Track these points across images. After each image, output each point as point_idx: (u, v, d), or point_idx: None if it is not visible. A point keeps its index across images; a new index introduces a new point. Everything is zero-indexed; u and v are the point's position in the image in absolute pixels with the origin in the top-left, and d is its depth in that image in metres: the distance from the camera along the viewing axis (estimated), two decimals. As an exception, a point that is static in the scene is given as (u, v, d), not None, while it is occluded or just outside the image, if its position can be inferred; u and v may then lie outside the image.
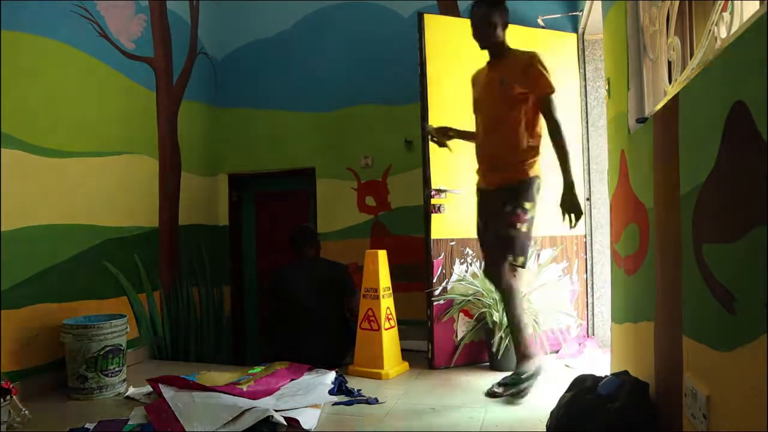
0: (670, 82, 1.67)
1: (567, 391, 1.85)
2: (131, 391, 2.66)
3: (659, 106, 1.60)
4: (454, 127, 2.76)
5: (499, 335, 2.84)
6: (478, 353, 3.08)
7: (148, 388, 2.59)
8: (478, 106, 2.65)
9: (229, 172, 4.37)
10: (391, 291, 3.06)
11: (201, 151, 4.16)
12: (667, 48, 1.65)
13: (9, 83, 2.61)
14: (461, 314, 3.06)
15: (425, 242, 3.06)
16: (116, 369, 2.71)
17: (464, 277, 3.08)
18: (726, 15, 1.19)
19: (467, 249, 3.11)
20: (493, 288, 2.70)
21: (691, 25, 1.63)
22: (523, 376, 2.42)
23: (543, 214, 3.25)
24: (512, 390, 2.40)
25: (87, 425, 2.20)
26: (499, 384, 2.47)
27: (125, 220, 3.36)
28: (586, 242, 3.36)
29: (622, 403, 1.59)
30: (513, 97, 2.45)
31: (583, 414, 1.66)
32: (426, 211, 3.05)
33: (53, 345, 2.74)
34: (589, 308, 3.36)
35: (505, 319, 2.86)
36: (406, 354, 3.11)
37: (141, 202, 3.51)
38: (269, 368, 2.82)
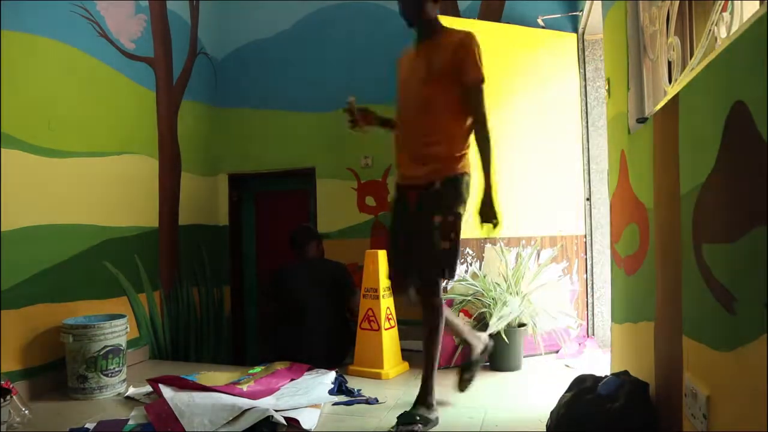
0: (670, 82, 1.67)
1: (567, 391, 1.85)
2: (131, 391, 2.66)
3: (659, 106, 1.60)
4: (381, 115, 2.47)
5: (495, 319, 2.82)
6: (478, 353, 3.08)
7: (148, 388, 2.59)
8: (403, 90, 2.32)
9: (229, 172, 4.37)
10: (391, 291, 3.06)
11: (201, 151, 4.16)
12: (667, 48, 1.65)
13: (9, 83, 2.61)
14: (461, 314, 3.06)
15: (425, 242, 3.06)
16: (116, 369, 2.71)
17: (464, 277, 3.08)
18: (726, 15, 1.20)
19: (467, 249, 3.11)
20: (425, 306, 2.23)
21: (691, 25, 1.63)
22: (417, 418, 2.08)
23: (543, 214, 3.28)
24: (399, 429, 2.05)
25: (87, 425, 2.20)
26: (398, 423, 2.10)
27: (125, 220, 3.36)
28: (586, 242, 3.36)
29: (622, 403, 1.59)
30: (441, 80, 2.14)
31: (583, 414, 1.66)
32: (426, 211, 3.05)
33: (53, 345, 2.74)
34: (589, 308, 3.36)
35: (503, 317, 2.86)
36: (406, 354, 3.11)
37: (141, 202, 3.51)
38: (269, 368, 2.82)
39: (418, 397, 2.20)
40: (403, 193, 2.27)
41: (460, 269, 3.10)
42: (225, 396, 2.35)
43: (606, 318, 3.27)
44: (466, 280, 3.06)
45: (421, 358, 3.08)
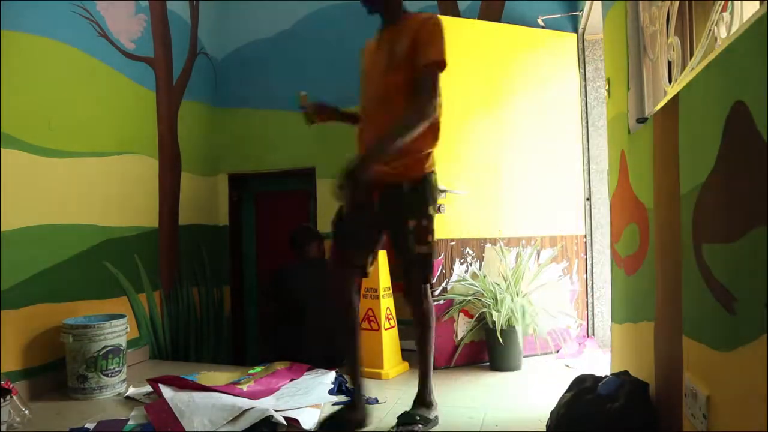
0: (670, 82, 1.67)
1: (567, 391, 1.85)
2: (131, 391, 2.66)
3: (659, 106, 1.60)
4: (342, 110, 2.36)
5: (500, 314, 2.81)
6: (478, 353, 3.08)
7: (148, 388, 2.59)
8: (364, 81, 2.17)
9: (229, 172, 4.37)
10: (391, 291, 3.06)
11: (201, 151, 4.16)
12: (667, 48, 1.65)
13: (9, 83, 2.61)
14: (461, 314, 3.07)
15: (425, 242, 3.06)
16: (116, 369, 2.71)
17: (464, 277, 3.08)
18: (726, 15, 1.20)
19: (467, 249, 3.11)
20: (413, 311, 2.19)
21: (691, 25, 1.63)
22: (417, 418, 2.06)
23: (543, 214, 3.28)
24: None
25: (87, 425, 2.20)
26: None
27: (125, 220, 3.36)
28: (586, 242, 3.36)
29: (622, 403, 1.59)
30: (404, 68, 1.96)
31: (583, 414, 1.66)
32: (426, 211, 3.05)
33: (53, 345, 2.74)
34: (589, 308, 3.36)
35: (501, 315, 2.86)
36: (406, 354, 3.11)
37: (141, 202, 3.51)
38: (269, 368, 2.82)
39: (417, 396, 2.19)
40: (365, 195, 2.07)
41: (459, 269, 3.10)
42: (225, 396, 2.35)
43: (606, 318, 3.27)
44: (466, 280, 3.06)
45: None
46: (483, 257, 3.14)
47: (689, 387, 1.29)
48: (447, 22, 3.30)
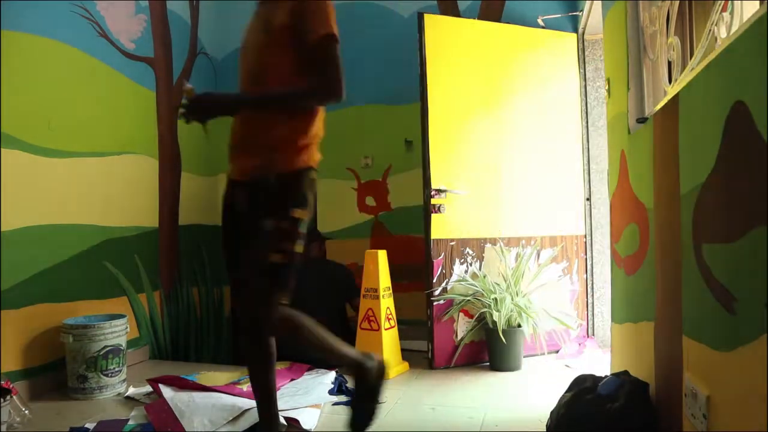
0: (670, 82, 1.67)
1: (567, 391, 1.85)
2: (131, 391, 2.66)
3: (659, 106, 1.60)
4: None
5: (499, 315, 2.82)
6: (478, 353, 3.08)
7: (148, 388, 2.59)
8: (240, 59, 1.90)
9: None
10: (391, 291, 3.06)
11: (201, 151, 4.15)
12: (667, 48, 1.65)
13: (9, 83, 2.61)
14: (461, 314, 3.07)
15: (425, 242, 3.07)
16: (116, 369, 2.71)
17: (464, 277, 3.08)
18: (726, 15, 1.20)
19: (467, 249, 3.11)
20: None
21: (691, 25, 1.63)
22: (367, 368, 1.81)
23: (543, 214, 3.28)
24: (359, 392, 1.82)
25: (87, 425, 2.20)
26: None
27: (125, 220, 3.36)
28: (586, 242, 3.36)
29: (622, 403, 1.59)
30: (279, 44, 1.70)
31: (583, 414, 1.67)
32: (426, 211, 3.06)
33: (53, 345, 2.74)
34: (589, 308, 3.36)
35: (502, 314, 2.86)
36: (406, 354, 3.12)
37: (141, 202, 3.51)
38: (269, 368, 2.82)
39: (355, 385, 1.85)
40: (232, 191, 1.83)
41: (459, 269, 3.10)
42: (225, 396, 2.35)
43: (606, 318, 3.27)
44: (466, 280, 3.06)
45: (421, 358, 3.12)
46: (483, 257, 3.15)
47: (689, 387, 1.29)
48: (447, 22, 3.32)
